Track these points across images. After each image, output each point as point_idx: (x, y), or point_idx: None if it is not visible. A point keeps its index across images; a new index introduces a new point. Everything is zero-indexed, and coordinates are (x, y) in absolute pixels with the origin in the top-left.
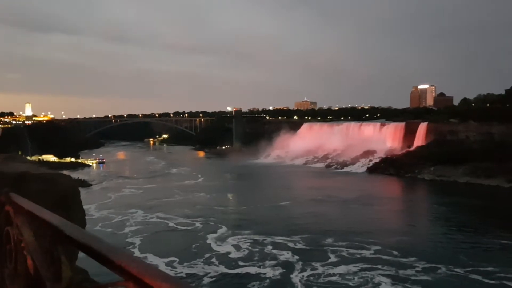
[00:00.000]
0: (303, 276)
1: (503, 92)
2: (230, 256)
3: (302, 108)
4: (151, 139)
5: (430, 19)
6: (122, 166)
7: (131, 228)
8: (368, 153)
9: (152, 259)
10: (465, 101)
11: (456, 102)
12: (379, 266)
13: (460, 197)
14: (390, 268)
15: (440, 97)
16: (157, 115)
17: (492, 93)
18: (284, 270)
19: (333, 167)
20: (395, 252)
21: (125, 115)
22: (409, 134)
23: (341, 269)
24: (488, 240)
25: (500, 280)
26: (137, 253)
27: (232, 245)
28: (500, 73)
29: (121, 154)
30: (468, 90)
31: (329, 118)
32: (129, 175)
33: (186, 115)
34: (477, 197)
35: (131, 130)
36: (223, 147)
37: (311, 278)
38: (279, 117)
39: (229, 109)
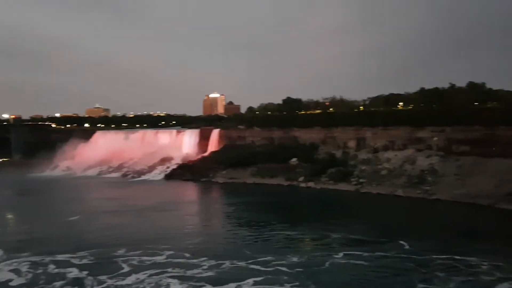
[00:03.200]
0: None
1: (281, 102)
2: (12, 284)
3: (94, 115)
4: None
5: (224, 33)
6: None
7: None
8: (165, 160)
9: None
10: (250, 109)
11: (243, 110)
12: (170, 269)
13: (249, 196)
14: (180, 270)
15: (230, 106)
16: None
17: (272, 102)
18: None
19: (129, 176)
20: (187, 254)
21: None
22: (204, 140)
23: (132, 278)
24: (270, 232)
25: (274, 267)
26: None
27: (11, 271)
28: (280, 84)
29: None
30: (253, 99)
31: (124, 125)
32: None
33: None
34: (262, 195)
35: None
36: None
37: None
38: (68, 125)
39: (5, 116)
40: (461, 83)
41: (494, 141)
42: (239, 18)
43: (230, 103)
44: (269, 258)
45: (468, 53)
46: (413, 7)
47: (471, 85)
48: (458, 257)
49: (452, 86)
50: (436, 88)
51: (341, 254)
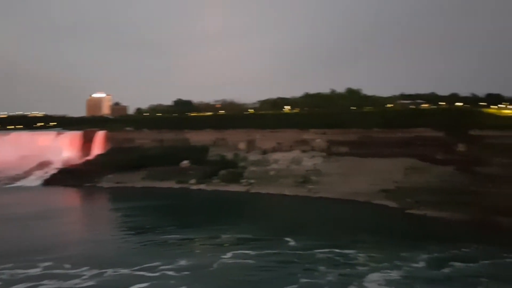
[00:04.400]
0: None
1: (171, 103)
2: None
3: None
4: None
5: (112, 31)
6: None
7: None
8: (43, 165)
9: None
10: (139, 110)
11: (131, 111)
12: (45, 282)
13: (138, 200)
14: (56, 282)
15: (116, 106)
16: None
17: (162, 103)
18: None
19: (1, 182)
20: (66, 265)
21: None
22: (87, 143)
23: None
24: (159, 237)
25: (161, 272)
26: None
27: None
28: (171, 86)
29: None
30: (142, 100)
31: None
32: None
33: None
34: (152, 199)
35: None
36: None
37: None
38: None
39: None
40: (341, 89)
41: (369, 143)
42: (129, 16)
43: (117, 103)
44: (156, 263)
45: (347, 61)
46: (301, 16)
47: (350, 91)
48: (338, 250)
49: (333, 91)
50: (319, 93)
51: (229, 254)
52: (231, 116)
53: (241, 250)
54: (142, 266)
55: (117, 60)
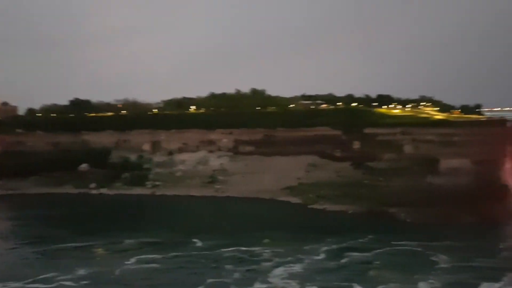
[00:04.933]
0: None
1: (67, 103)
2: None
3: None
4: None
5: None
6: None
7: None
8: None
9: None
10: (31, 111)
11: (22, 111)
12: None
13: (31, 209)
14: None
15: (5, 107)
16: None
17: (57, 103)
18: None
19: None
20: None
21: None
22: None
23: None
24: (56, 246)
25: (57, 283)
26: None
27: None
28: (67, 85)
29: None
30: (35, 100)
31: None
32: None
33: None
34: (48, 206)
35: None
36: None
37: None
38: None
39: None
40: (246, 89)
41: (274, 142)
42: (21, 10)
43: (5, 103)
44: (52, 274)
45: (251, 61)
46: (207, 16)
47: (254, 91)
48: (244, 248)
49: (238, 91)
50: (225, 94)
51: (133, 260)
52: (134, 117)
53: (146, 254)
54: (36, 278)
55: (4, 56)
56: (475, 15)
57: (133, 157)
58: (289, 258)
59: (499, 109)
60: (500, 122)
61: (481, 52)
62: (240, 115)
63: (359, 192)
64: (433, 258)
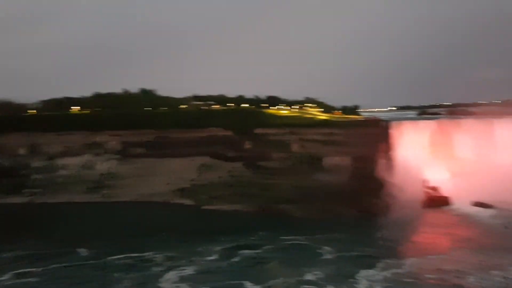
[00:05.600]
0: None
1: None
2: None
3: None
4: None
5: None
6: None
7: None
8: None
9: None
10: None
11: None
12: None
13: None
14: None
15: None
16: None
17: None
18: None
19: None
20: None
21: None
22: None
23: None
24: None
25: None
26: None
27: None
28: None
29: None
30: None
31: None
32: None
33: None
34: None
35: None
36: None
37: None
38: None
39: None
40: (134, 89)
41: (166, 143)
42: None
43: None
44: None
45: (140, 60)
46: (91, 12)
47: (144, 91)
48: (134, 254)
49: (126, 91)
50: (111, 93)
51: (9, 275)
52: (7, 118)
53: (23, 268)
54: None
55: None
56: (354, 24)
57: (6, 162)
58: (182, 261)
59: (376, 110)
60: (375, 122)
61: (360, 57)
62: (129, 115)
63: (250, 191)
64: (318, 250)
